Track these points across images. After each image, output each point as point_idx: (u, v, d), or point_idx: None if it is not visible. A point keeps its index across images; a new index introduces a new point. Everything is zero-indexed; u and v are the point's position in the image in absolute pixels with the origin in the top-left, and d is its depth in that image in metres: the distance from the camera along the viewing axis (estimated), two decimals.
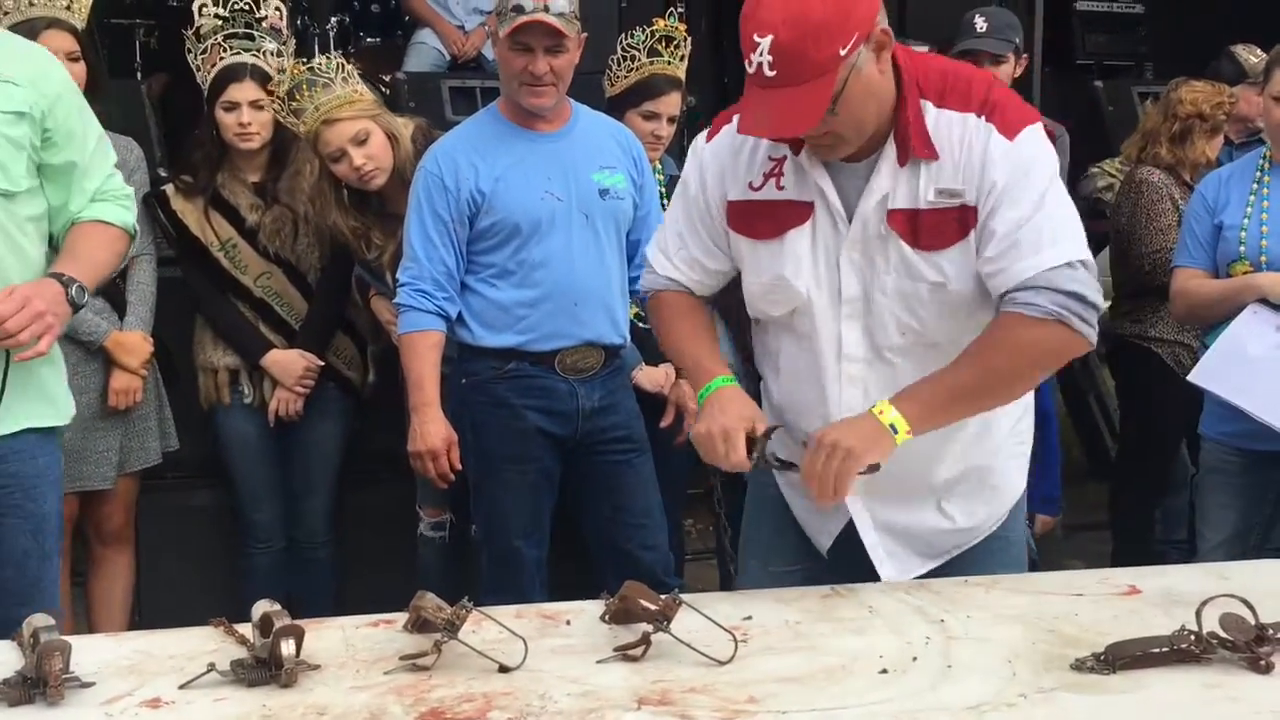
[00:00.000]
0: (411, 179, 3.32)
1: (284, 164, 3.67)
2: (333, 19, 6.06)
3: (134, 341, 3.58)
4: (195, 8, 3.70)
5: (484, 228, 3.25)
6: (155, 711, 1.76)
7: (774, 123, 2.06)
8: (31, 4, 3.43)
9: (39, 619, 1.88)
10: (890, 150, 2.14)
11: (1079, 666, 1.85)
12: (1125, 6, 6.42)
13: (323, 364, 3.74)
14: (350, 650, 1.95)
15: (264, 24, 3.70)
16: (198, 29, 3.68)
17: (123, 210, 2.62)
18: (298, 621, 1.88)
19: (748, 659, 1.90)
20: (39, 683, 1.76)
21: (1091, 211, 4.33)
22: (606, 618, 2.04)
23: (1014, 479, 2.40)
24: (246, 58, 3.63)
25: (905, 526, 2.34)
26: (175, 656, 1.92)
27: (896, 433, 2.10)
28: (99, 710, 1.76)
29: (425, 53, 5.60)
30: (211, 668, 1.83)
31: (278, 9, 3.76)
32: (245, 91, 3.59)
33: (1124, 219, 4.11)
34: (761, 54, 1.99)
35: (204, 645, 1.96)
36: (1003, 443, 2.35)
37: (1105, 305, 2.17)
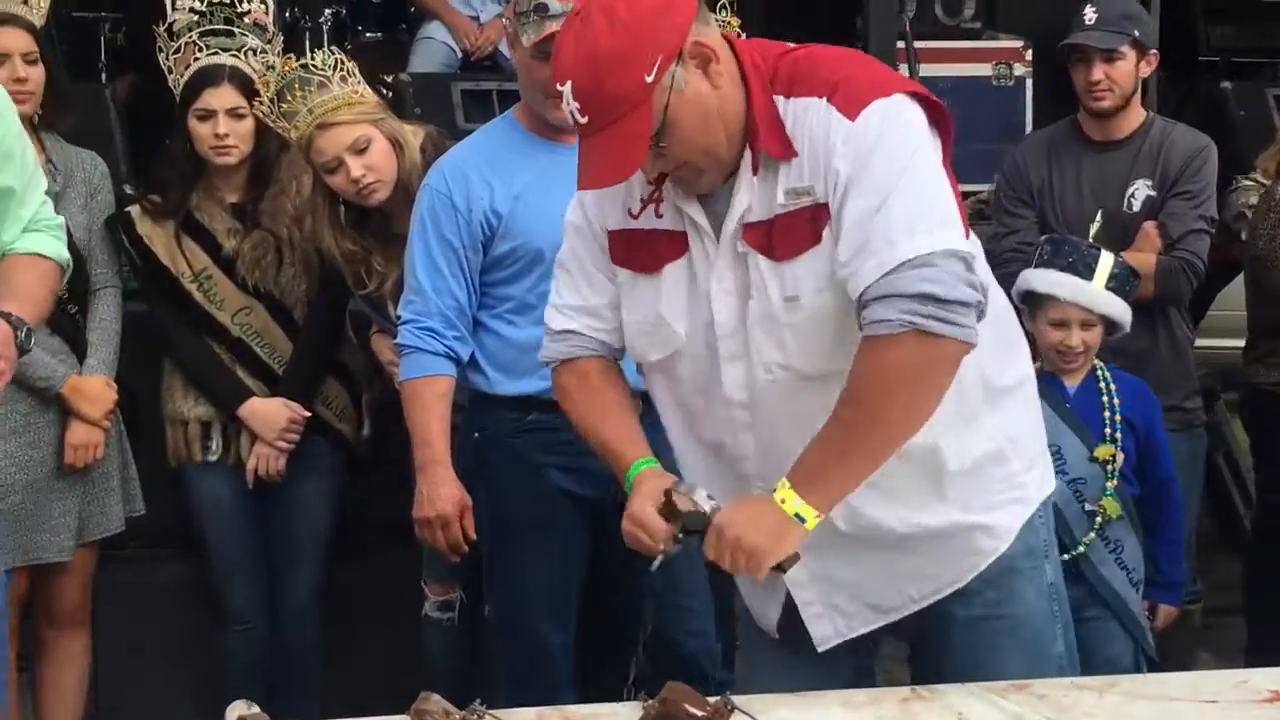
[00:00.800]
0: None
1: (267, 182, 3.68)
2: (327, 11, 6.12)
3: (96, 388, 3.58)
4: (168, 0, 3.70)
5: (500, 255, 3.24)
6: None
7: (601, 171, 2.19)
8: None
9: None
10: (748, 158, 2.22)
11: None
12: None
13: (310, 415, 3.74)
14: None
15: (247, 19, 3.73)
16: (170, 25, 3.70)
17: (56, 242, 2.70)
18: None
19: None
20: None
21: (1229, 233, 4.27)
22: None
23: (988, 524, 2.38)
24: (225, 59, 3.64)
25: (843, 577, 2.39)
26: None
27: (804, 522, 2.17)
28: None
29: (434, 49, 5.63)
30: None
31: (263, 2, 3.77)
32: (223, 98, 3.59)
33: (1260, 244, 4.05)
34: (568, 102, 2.15)
35: None
36: (964, 482, 2.35)
37: (977, 297, 2.15)
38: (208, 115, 3.60)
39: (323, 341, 3.78)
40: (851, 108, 2.15)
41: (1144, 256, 3.87)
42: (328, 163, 3.45)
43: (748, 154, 2.22)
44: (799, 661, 2.43)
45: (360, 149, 3.43)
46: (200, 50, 3.65)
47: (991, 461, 2.38)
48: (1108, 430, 3.58)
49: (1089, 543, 3.54)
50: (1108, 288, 3.55)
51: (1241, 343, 4.27)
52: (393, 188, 3.47)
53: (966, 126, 4.32)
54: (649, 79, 2.11)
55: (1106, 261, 3.56)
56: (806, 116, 2.18)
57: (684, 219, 2.28)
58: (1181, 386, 4.04)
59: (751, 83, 2.21)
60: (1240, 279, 4.30)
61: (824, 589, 2.39)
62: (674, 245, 2.30)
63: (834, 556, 2.36)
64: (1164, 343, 4.00)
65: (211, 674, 3.87)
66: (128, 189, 4.25)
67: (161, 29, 3.72)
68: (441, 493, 3.25)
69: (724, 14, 3.87)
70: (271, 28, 3.81)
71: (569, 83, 2.14)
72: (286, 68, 3.50)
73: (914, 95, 2.23)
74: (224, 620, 3.87)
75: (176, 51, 3.68)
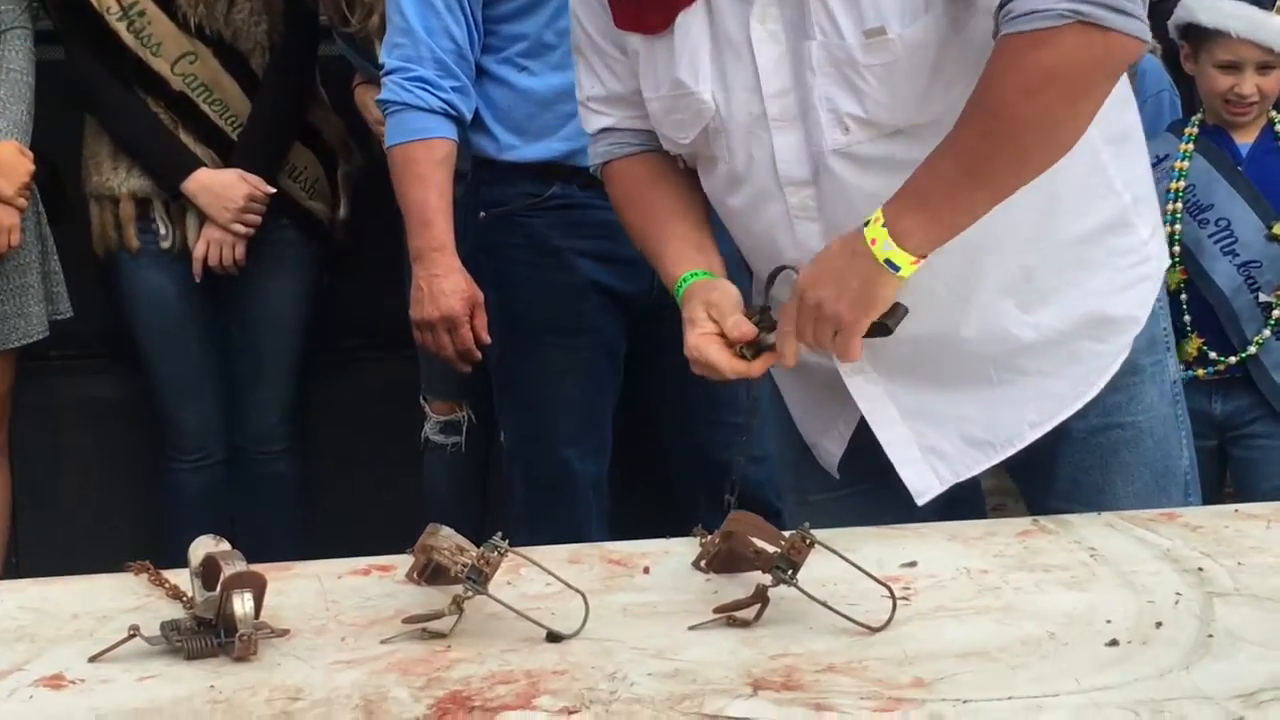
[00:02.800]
0: None
1: None
2: None
3: (6, 156, 3.63)
4: None
5: None
6: (57, 693, 1.80)
7: None
8: None
9: None
10: None
11: None
12: None
13: (274, 190, 3.81)
14: (331, 609, 1.99)
15: None
16: None
17: None
18: (256, 567, 1.92)
19: (910, 624, 1.92)
20: None
21: None
22: (703, 564, 2.09)
23: (1115, 316, 2.42)
24: None
25: (942, 410, 2.43)
26: (81, 616, 1.97)
27: (898, 270, 2.15)
28: None
29: None
30: (134, 632, 1.86)
31: None
32: None
33: None
34: None
35: (121, 600, 2.02)
36: (1077, 255, 2.38)
37: None
38: None
39: (289, 97, 3.83)
40: None
41: None
42: None
43: None
44: (868, 503, 2.48)
45: None
46: None
47: (1117, 228, 2.41)
48: None
49: (1262, 342, 3.62)
50: None
51: None
52: None
53: None
54: None
55: None
56: None
57: None
58: None
59: None
60: None
61: (920, 429, 2.44)
62: None
63: (931, 386, 2.42)
64: None
65: (152, 510, 3.99)
66: None
67: None
68: (446, 286, 3.31)
69: None
70: None
71: None
72: None
73: None
74: (170, 448, 3.98)
75: None
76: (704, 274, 2.36)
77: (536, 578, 1.99)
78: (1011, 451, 2.45)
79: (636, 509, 3.52)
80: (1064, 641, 1.88)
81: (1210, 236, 3.63)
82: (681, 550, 2.15)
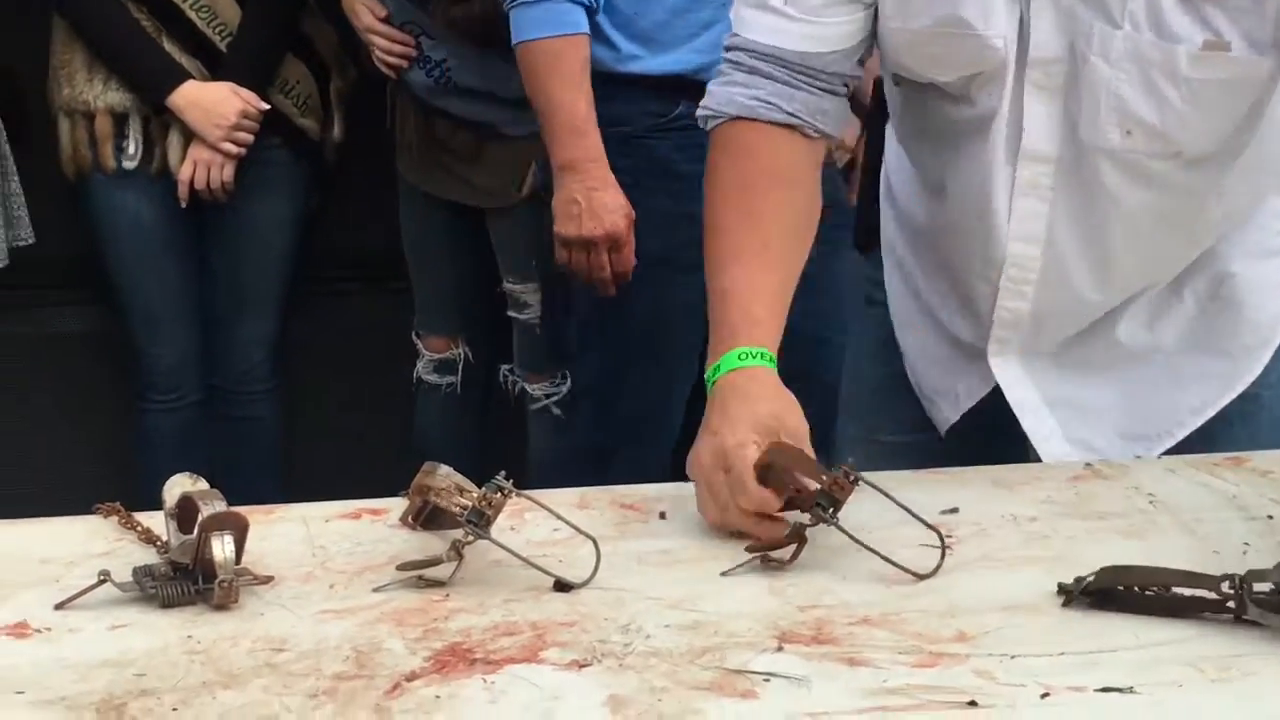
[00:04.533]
0: None
1: None
2: None
3: None
4: None
5: None
6: (21, 642, 1.80)
7: None
8: None
9: None
10: None
11: None
12: None
13: (268, 106, 3.83)
14: (319, 555, 2.00)
15: None
16: None
17: None
18: (236, 509, 1.92)
19: (952, 575, 1.92)
20: None
21: None
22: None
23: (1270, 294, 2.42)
24: None
25: (1089, 395, 2.43)
26: (49, 561, 1.98)
27: None
28: None
29: None
30: (105, 578, 1.87)
31: None
32: None
33: None
34: None
35: (90, 543, 2.02)
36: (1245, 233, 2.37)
37: None
38: None
39: (282, 4, 3.85)
40: None
41: None
42: None
43: None
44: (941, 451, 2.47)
45: None
46: None
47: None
48: None
49: None
50: None
51: None
52: None
53: None
54: None
55: None
56: None
57: None
58: None
59: None
60: None
61: (1065, 418, 2.43)
62: None
63: (1076, 372, 2.41)
64: None
65: (123, 452, 4.03)
66: None
67: None
68: (608, 201, 3.29)
69: None
70: None
71: None
72: None
73: None
74: (143, 386, 4.02)
75: None
76: (768, 358, 2.13)
77: (543, 522, 1.99)
78: (1172, 443, 2.42)
79: None
80: None
81: None
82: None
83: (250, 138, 3.81)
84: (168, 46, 3.78)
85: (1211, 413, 2.42)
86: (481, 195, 3.86)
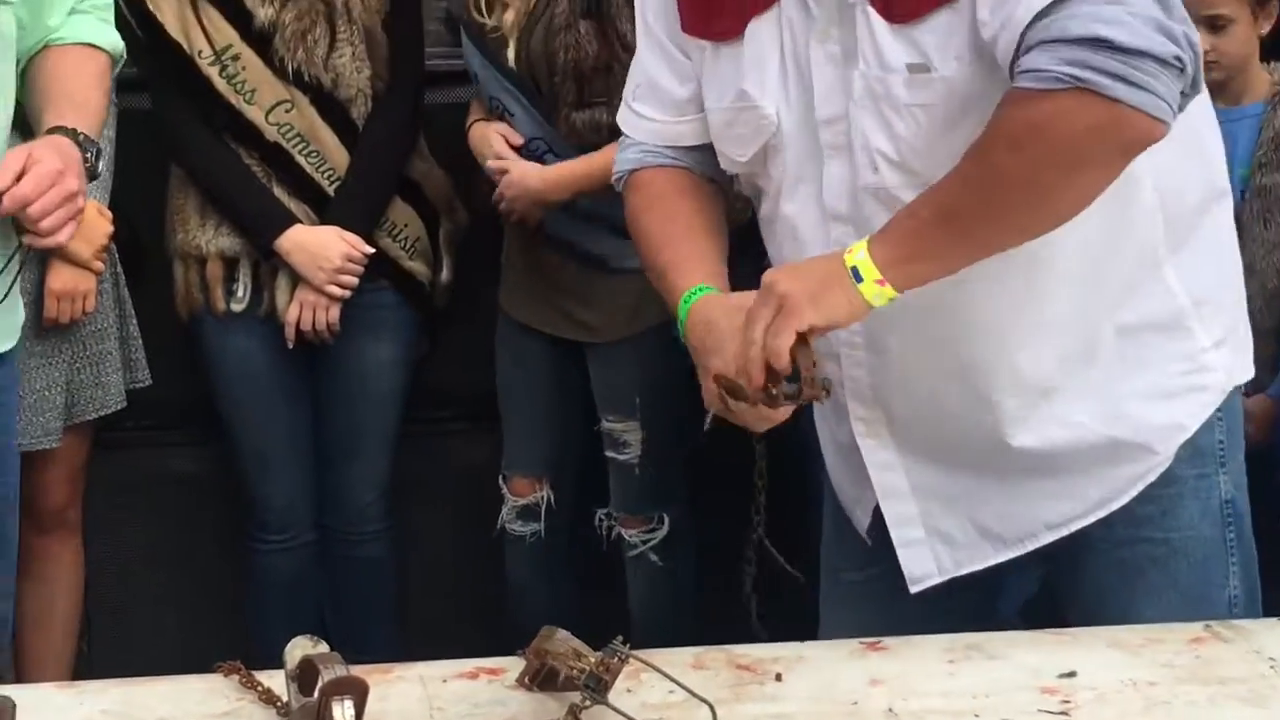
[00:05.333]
0: None
1: None
2: None
3: (85, 216, 3.67)
4: None
5: None
6: None
7: None
8: None
9: None
10: None
11: None
12: None
13: (372, 250, 3.85)
14: (436, 716, 2.02)
15: None
16: None
17: (107, 27, 2.92)
18: (356, 670, 1.95)
19: None
20: None
21: None
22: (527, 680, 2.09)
23: (1149, 431, 2.43)
24: None
25: (956, 493, 2.46)
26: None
27: (861, 280, 2.19)
28: None
29: None
30: None
31: None
32: None
33: None
34: None
35: (212, 704, 2.04)
36: (1116, 351, 2.39)
37: (1175, 51, 2.06)
38: None
39: (390, 150, 3.87)
40: None
41: None
42: None
43: None
44: (893, 588, 2.50)
45: None
46: None
47: (1169, 330, 2.43)
48: None
49: None
50: None
51: None
52: None
53: None
54: None
55: None
56: None
57: None
58: None
59: None
60: None
61: (929, 508, 2.47)
62: None
63: (948, 466, 2.46)
64: None
65: (236, 593, 4.03)
66: None
67: None
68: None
69: None
70: None
71: None
72: None
73: None
74: (254, 526, 4.02)
75: None
76: (711, 289, 2.38)
77: (659, 684, 2.00)
78: (1023, 551, 2.47)
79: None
80: None
81: None
82: (816, 655, 2.17)
83: (355, 281, 3.83)
84: (277, 191, 3.83)
85: (1065, 532, 2.44)
86: (585, 330, 3.86)
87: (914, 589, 2.48)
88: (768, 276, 2.23)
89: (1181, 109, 2.14)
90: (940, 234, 2.20)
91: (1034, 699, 1.99)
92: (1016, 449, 2.41)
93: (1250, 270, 3.76)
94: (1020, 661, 2.08)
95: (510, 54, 3.69)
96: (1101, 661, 2.13)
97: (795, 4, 2.34)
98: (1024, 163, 2.15)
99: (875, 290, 2.18)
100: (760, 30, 2.36)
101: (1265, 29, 3.84)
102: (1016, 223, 2.21)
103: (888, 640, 2.22)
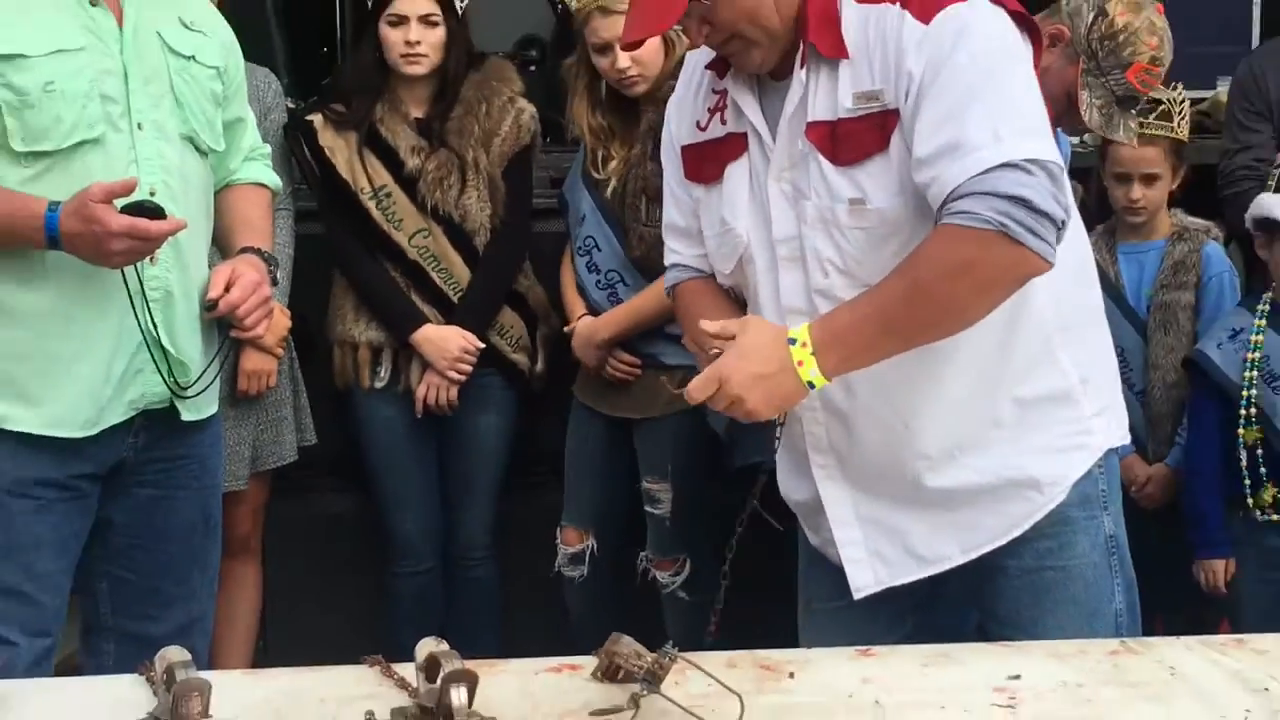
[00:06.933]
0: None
1: (453, 100, 3.80)
2: None
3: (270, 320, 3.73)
4: None
5: None
6: None
7: (645, 20, 2.27)
8: None
9: (174, 653, 1.99)
10: (802, 57, 2.30)
11: None
12: None
13: (484, 345, 3.85)
14: (530, 701, 2.02)
15: None
16: None
17: (269, 170, 3.04)
18: (469, 664, 1.95)
19: None
20: None
21: None
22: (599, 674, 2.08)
23: (1038, 477, 2.43)
24: None
25: (890, 521, 2.45)
26: (326, 700, 2.01)
27: (813, 387, 2.23)
28: None
29: None
30: (370, 717, 1.91)
31: None
32: (417, 3, 3.71)
33: None
34: None
35: (358, 687, 2.05)
36: (1016, 416, 2.40)
37: (1062, 216, 2.18)
38: (400, 21, 3.71)
39: (503, 270, 3.87)
40: (926, 12, 2.23)
41: None
42: (598, 44, 3.63)
43: (803, 48, 2.30)
44: (858, 616, 2.51)
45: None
46: None
47: (1060, 401, 2.43)
48: None
49: None
50: None
51: None
52: (652, 83, 3.61)
53: (1183, 25, 4.24)
54: None
55: None
56: (877, 21, 2.26)
57: (744, 121, 2.39)
58: None
59: None
60: None
61: (870, 533, 2.47)
62: (735, 146, 2.41)
63: (887, 502, 2.45)
64: None
65: (377, 606, 4.02)
66: (289, 103, 4.33)
67: None
68: None
69: None
70: None
71: None
72: None
73: (995, 1, 2.28)
74: (391, 555, 4.01)
75: None
76: None
77: (699, 680, 1.99)
78: (939, 569, 2.47)
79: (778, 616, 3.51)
80: None
81: None
82: (821, 658, 2.16)
83: (469, 368, 3.83)
84: (414, 297, 3.84)
85: (973, 556, 2.44)
86: (633, 409, 3.83)
87: (856, 596, 2.47)
88: (729, 374, 2.22)
89: (1058, 243, 2.20)
90: (874, 333, 2.23)
91: (988, 695, 1.98)
92: (933, 489, 2.42)
93: (1154, 366, 3.78)
94: (977, 666, 2.06)
95: (609, 191, 3.71)
96: (1040, 667, 2.11)
97: (758, 152, 2.38)
98: (953, 287, 2.20)
99: (814, 377, 2.21)
100: (734, 171, 2.41)
101: (1175, 184, 3.85)
102: (940, 330, 2.25)
103: (876, 648, 2.20)
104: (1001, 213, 2.14)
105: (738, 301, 2.54)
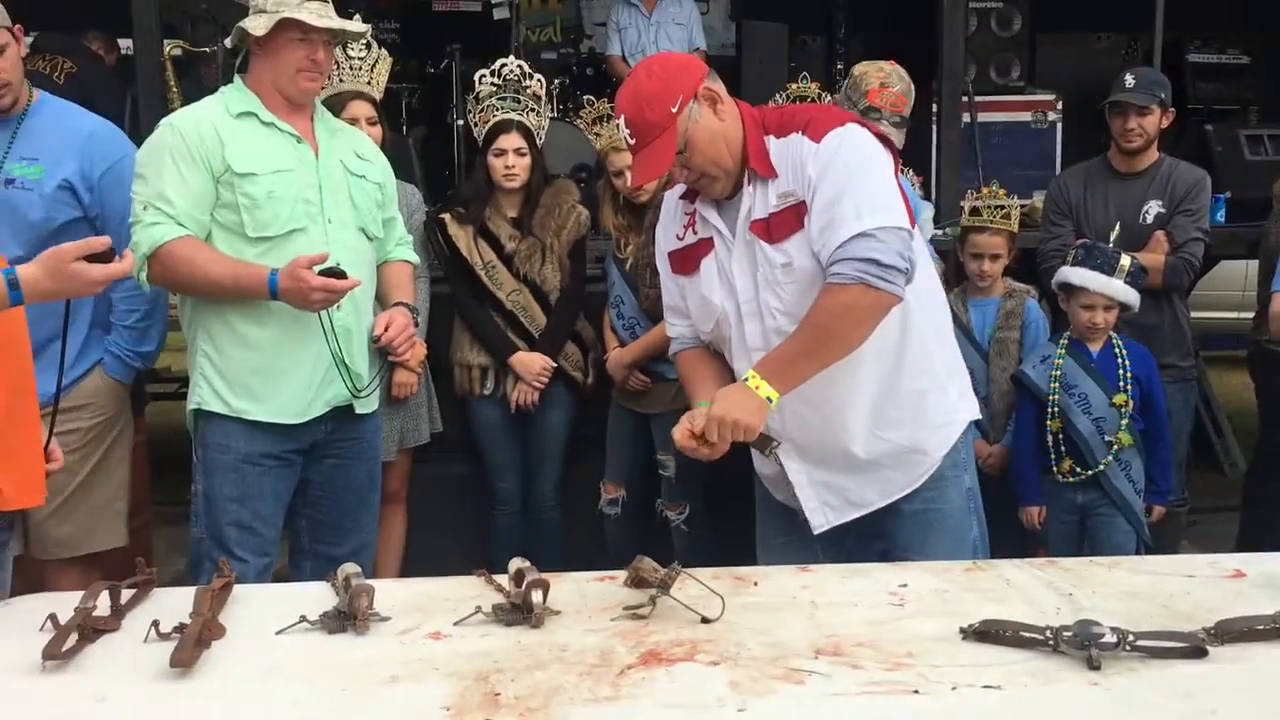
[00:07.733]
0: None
1: (536, 204, 3.77)
2: (555, 81, 6.22)
3: (415, 349, 3.71)
4: (476, 77, 3.82)
5: None
6: (437, 642, 1.85)
7: (645, 170, 2.24)
8: (340, 80, 3.60)
9: (349, 567, 2.02)
10: (748, 177, 2.27)
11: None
12: (1233, 57, 6.16)
13: (555, 365, 3.82)
14: (583, 600, 2.02)
15: (528, 91, 3.80)
16: (477, 93, 3.81)
17: (413, 251, 3.09)
18: (543, 575, 1.97)
19: (904, 621, 1.91)
20: (350, 616, 1.89)
21: None
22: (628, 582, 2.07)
23: (927, 446, 2.40)
24: (514, 115, 3.73)
25: (834, 482, 2.42)
26: (450, 600, 2.02)
27: (771, 402, 2.18)
28: (395, 640, 1.86)
29: None
30: (478, 610, 1.92)
31: (539, 80, 3.86)
32: (512, 141, 3.70)
33: (1272, 240, 3.96)
34: (623, 129, 2.24)
35: (471, 591, 2.05)
36: (911, 402, 2.38)
37: (906, 265, 2.19)
38: (501, 153, 3.70)
39: (568, 316, 3.85)
40: (817, 135, 2.23)
41: (1154, 257, 3.77)
42: (614, 170, 3.70)
43: (748, 174, 2.28)
44: (803, 545, 2.46)
45: None
46: (496, 110, 3.74)
47: (935, 391, 2.40)
48: (1121, 383, 3.53)
49: (1107, 463, 3.52)
50: (1125, 282, 3.50)
51: (1216, 314, 4.07)
52: (652, 196, 3.57)
53: (1012, 157, 4.24)
54: (674, 110, 2.21)
55: (1125, 261, 3.52)
56: (789, 147, 2.26)
57: (710, 228, 2.35)
58: (1178, 350, 3.93)
59: (747, 124, 2.29)
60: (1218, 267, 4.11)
61: (820, 490, 2.43)
62: (704, 246, 2.37)
63: (828, 469, 2.41)
64: (1167, 319, 3.90)
65: (485, 539, 3.98)
66: (426, 207, 4.38)
67: (470, 96, 3.83)
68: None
69: (804, 82, 4.07)
70: (543, 97, 3.86)
71: (623, 116, 2.23)
72: (601, 107, 3.96)
73: (863, 125, 2.29)
74: (492, 504, 3.98)
75: (480, 110, 3.77)
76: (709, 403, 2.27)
77: (695, 586, 1.99)
78: (865, 512, 2.43)
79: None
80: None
81: (1075, 402, 3.57)
82: (776, 573, 2.14)
83: (546, 381, 3.79)
84: (510, 334, 3.80)
85: (886, 503, 2.41)
86: (650, 407, 3.79)
87: (816, 532, 2.43)
88: (718, 413, 2.18)
89: (908, 283, 2.20)
90: (798, 361, 2.22)
91: (886, 597, 1.97)
92: (860, 458, 2.39)
93: (993, 380, 3.77)
94: (879, 578, 2.05)
95: (628, 265, 3.68)
96: (921, 579, 2.10)
97: (722, 247, 2.34)
98: (840, 324, 2.20)
99: (769, 393, 2.19)
100: (707, 264, 2.37)
101: (1009, 260, 3.84)
102: (840, 353, 2.24)
103: (812, 567, 2.19)
104: (861, 270, 2.15)
105: (718, 356, 2.48)
